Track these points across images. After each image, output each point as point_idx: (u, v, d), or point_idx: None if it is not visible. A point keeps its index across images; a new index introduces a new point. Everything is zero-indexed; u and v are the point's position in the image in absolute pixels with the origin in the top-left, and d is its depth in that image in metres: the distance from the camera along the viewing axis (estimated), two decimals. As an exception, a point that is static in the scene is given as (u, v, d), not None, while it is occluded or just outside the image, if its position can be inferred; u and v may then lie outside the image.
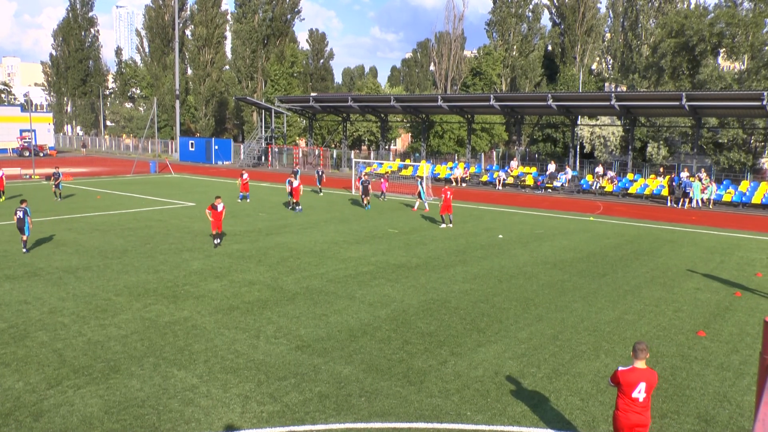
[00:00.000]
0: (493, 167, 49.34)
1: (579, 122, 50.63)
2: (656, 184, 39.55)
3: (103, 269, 17.51)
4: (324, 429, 8.76)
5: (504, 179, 44.41)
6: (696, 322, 13.76)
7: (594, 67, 72.86)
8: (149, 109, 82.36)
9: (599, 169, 42.68)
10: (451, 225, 25.86)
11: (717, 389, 10.24)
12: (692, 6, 58.28)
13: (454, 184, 44.89)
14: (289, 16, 79.80)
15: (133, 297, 14.82)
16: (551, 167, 44.38)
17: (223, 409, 9.21)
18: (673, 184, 36.84)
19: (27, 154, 64.44)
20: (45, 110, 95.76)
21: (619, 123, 50.72)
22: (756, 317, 14.13)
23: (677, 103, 37.30)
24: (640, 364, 7.40)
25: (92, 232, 23.19)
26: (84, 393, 9.64)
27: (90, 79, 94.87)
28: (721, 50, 51.64)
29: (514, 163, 47.00)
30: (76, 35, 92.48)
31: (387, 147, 66.32)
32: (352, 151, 60.38)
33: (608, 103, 40.03)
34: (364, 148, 71.78)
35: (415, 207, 31.59)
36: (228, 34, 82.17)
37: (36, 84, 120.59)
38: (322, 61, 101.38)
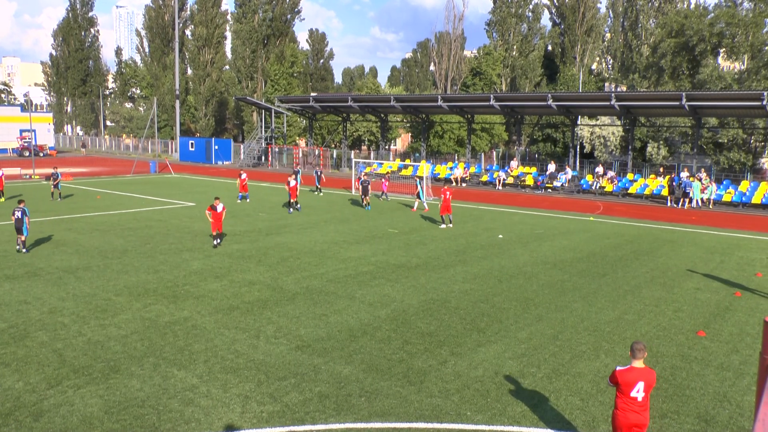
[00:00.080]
0: (493, 167, 49.35)
1: (579, 122, 50.63)
2: (656, 184, 39.55)
3: (103, 269, 17.51)
4: (324, 429, 8.76)
5: (504, 179, 44.41)
6: (696, 322, 13.76)
7: (594, 67, 72.86)
8: (149, 109, 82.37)
9: (599, 169, 42.68)
10: (451, 225, 25.86)
11: (717, 389, 10.24)
12: (692, 6, 58.29)
13: (454, 184, 44.89)
14: (289, 16, 79.80)
15: (133, 297, 14.82)
16: (551, 167, 44.38)
17: (223, 409, 9.22)
18: (673, 184, 36.84)
19: (27, 154, 64.44)
20: (45, 110, 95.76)
21: (619, 123, 50.73)
22: (756, 317, 14.13)
23: (677, 103, 37.30)
24: (638, 364, 7.41)
25: (92, 232, 23.19)
26: (84, 393, 9.64)
27: (90, 79, 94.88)
28: (721, 50, 51.65)
29: (514, 163, 47.00)
30: (76, 35, 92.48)
31: (387, 147, 66.32)
32: (352, 151, 60.39)
33: (608, 103, 40.04)
34: (364, 148, 71.78)
35: (415, 207, 31.59)
36: (228, 34, 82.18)
37: (36, 84, 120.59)
38: (322, 61, 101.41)
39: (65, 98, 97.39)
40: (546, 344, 12.13)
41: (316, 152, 57.49)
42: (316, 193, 37.18)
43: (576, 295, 15.71)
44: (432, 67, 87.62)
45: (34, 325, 12.68)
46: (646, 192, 39.31)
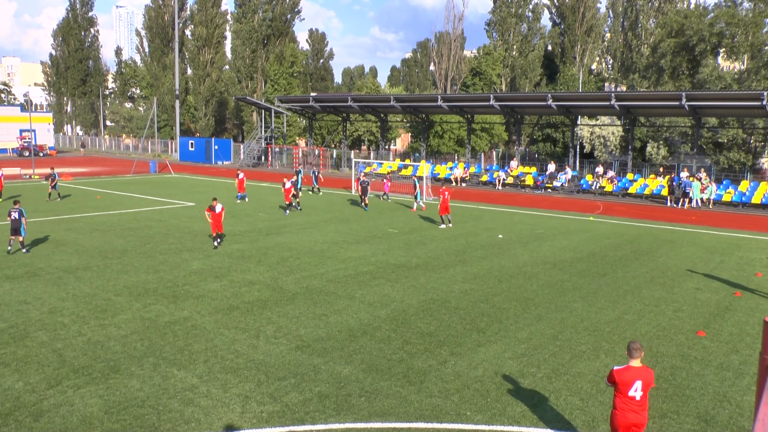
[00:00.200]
0: (493, 167, 49.35)
1: (579, 122, 50.63)
2: (656, 184, 39.56)
3: (103, 269, 17.51)
4: (324, 429, 8.76)
5: (504, 179, 44.41)
6: (696, 322, 13.76)
7: (594, 67, 72.85)
8: (149, 109, 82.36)
9: (599, 169, 42.68)
10: (450, 225, 25.86)
11: (717, 389, 10.24)
12: (692, 6, 58.30)
13: (453, 184, 44.90)
14: (288, 16, 79.79)
15: (132, 297, 14.82)
16: (551, 167, 44.38)
17: (223, 409, 9.22)
18: (673, 184, 36.84)
19: (27, 154, 64.43)
20: (45, 110, 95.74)
21: (618, 123, 50.73)
22: (756, 317, 14.13)
23: (677, 103, 37.30)
24: (636, 363, 7.42)
25: (92, 232, 23.19)
26: (84, 393, 9.64)
27: (90, 79, 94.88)
28: (721, 50, 51.64)
29: (513, 163, 47.00)
30: (75, 35, 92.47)
31: (387, 147, 66.33)
32: (352, 151, 60.37)
33: (608, 103, 40.03)
34: (363, 148, 71.78)
35: (414, 207, 31.60)
36: (228, 34, 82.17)
37: (36, 84, 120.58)
38: (321, 61, 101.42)
39: (65, 98, 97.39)
40: (546, 344, 12.13)
41: (316, 152, 57.49)
42: (312, 193, 37.12)
43: (576, 295, 15.72)
44: (432, 67, 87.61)
45: (33, 325, 12.68)
46: (646, 192, 39.31)
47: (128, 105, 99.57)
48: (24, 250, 19.49)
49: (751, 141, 46.89)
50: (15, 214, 19.29)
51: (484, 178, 46.07)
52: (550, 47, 74.30)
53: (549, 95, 41.80)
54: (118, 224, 25.06)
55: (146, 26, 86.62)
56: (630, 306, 14.86)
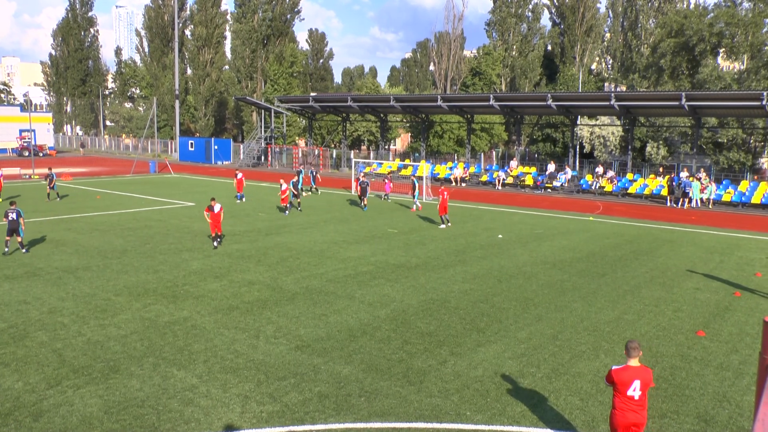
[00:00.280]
0: (493, 167, 49.35)
1: (578, 122, 50.63)
2: (656, 184, 39.57)
3: (103, 269, 17.51)
4: (323, 429, 8.76)
5: (503, 179, 44.42)
6: (695, 322, 13.76)
7: (594, 67, 72.84)
8: (149, 109, 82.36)
9: (599, 169, 42.69)
10: (449, 224, 25.86)
11: (716, 389, 10.24)
12: (692, 6, 58.30)
13: (453, 184, 44.91)
14: (288, 16, 79.77)
15: (132, 297, 14.82)
16: (551, 167, 44.39)
17: (223, 409, 9.22)
18: (673, 184, 36.85)
19: (26, 154, 64.42)
20: (44, 110, 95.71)
21: (618, 123, 50.73)
22: (755, 317, 14.14)
23: (677, 103, 37.30)
24: (634, 363, 7.43)
25: (92, 232, 23.19)
26: (83, 393, 9.64)
27: (89, 79, 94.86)
28: (721, 50, 51.64)
29: (513, 163, 47.00)
30: (75, 35, 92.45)
31: (387, 147, 66.32)
32: (352, 151, 60.38)
33: (608, 103, 40.04)
34: (363, 148, 71.78)
35: (414, 207, 31.61)
36: (228, 34, 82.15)
37: (35, 84, 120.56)
38: (321, 61, 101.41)
39: (65, 98, 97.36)
40: (545, 344, 12.13)
41: (316, 152, 57.49)
42: (310, 193, 37.03)
43: (575, 295, 15.72)
44: (432, 67, 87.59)
45: (33, 325, 12.68)
46: (646, 192, 39.32)
47: (128, 105, 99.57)
48: (23, 250, 19.49)
49: (751, 141, 46.90)
50: (13, 215, 19.28)
51: (484, 178, 46.07)
52: (549, 47, 74.30)
53: (549, 95, 41.80)
54: (118, 224, 25.05)
55: (146, 26, 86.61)
56: (630, 306, 14.87)
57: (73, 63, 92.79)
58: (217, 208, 20.79)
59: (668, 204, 36.44)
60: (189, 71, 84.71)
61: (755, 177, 41.74)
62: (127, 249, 20.27)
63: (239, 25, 77.30)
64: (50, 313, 13.47)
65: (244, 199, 32.79)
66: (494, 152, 62.56)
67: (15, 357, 11.02)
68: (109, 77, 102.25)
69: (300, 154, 57.91)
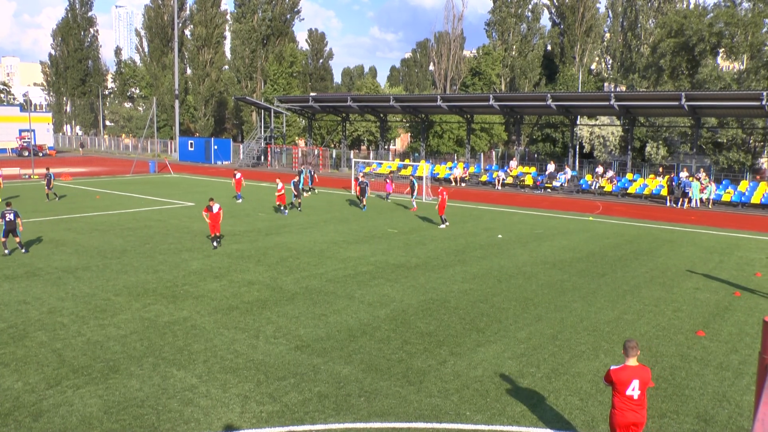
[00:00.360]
0: (493, 167, 49.35)
1: (578, 122, 50.64)
2: (655, 184, 39.58)
3: (103, 269, 17.51)
4: (323, 429, 8.76)
5: (503, 179, 44.42)
6: (695, 321, 13.76)
7: (593, 67, 72.85)
8: (148, 108, 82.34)
9: (599, 169, 42.70)
10: (447, 224, 25.84)
11: (716, 389, 10.25)
12: (691, 6, 58.31)
13: (453, 184, 44.91)
14: (288, 16, 79.78)
15: (132, 297, 14.82)
16: (550, 167, 44.39)
17: (223, 409, 9.21)
18: (673, 184, 36.86)
19: (26, 154, 64.41)
20: (44, 110, 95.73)
21: (618, 123, 50.75)
22: (755, 317, 14.14)
23: (676, 103, 37.31)
24: (632, 362, 7.42)
25: (91, 232, 23.18)
26: (83, 393, 9.64)
27: (89, 78, 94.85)
28: (721, 50, 51.66)
29: (513, 163, 47.01)
30: (75, 35, 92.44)
31: (386, 147, 66.32)
32: (352, 151, 60.38)
33: (607, 103, 40.04)
34: (363, 148, 71.78)
35: (414, 207, 31.61)
36: (227, 33, 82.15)
37: (35, 84, 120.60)
38: (321, 61, 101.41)
39: (64, 98, 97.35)
40: (545, 344, 12.13)
41: (316, 152, 57.49)
42: (308, 193, 36.98)
43: (575, 295, 15.72)
44: (431, 67, 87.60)
45: (33, 325, 12.68)
46: (646, 192, 39.33)
47: (128, 105, 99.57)
48: (23, 250, 19.49)
49: (751, 141, 46.92)
50: (10, 216, 19.26)
51: (484, 178, 46.07)
52: (549, 47, 74.31)
53: (548, 95, 41.80)
54: (118, 224, 25.05)
55: (146, 26, 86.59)
56: (629, 306, 14.87)
57: (73, 63, 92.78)
58: (215, 208, 20.75)
59: (668, 204, 36.45)
60: (189, 71, 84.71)
61: (758, 177, 41.74)
62: (126, 249, 20.26)
63: (239, 25, 77.29)
64: (50, 313, 13.46)
65: (241, 200, 32.73)
66: (494, 152, 62.57)
67: (15, 357, 11.02)
68: (109, 77, 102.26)
69: (300, 154, 57.91)
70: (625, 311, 14.42)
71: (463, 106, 48.94)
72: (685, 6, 59.73)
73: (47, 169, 33.77)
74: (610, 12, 68.72)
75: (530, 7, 71.67)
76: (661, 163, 47.99)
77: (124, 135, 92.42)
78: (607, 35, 69.80)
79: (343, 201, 34.20)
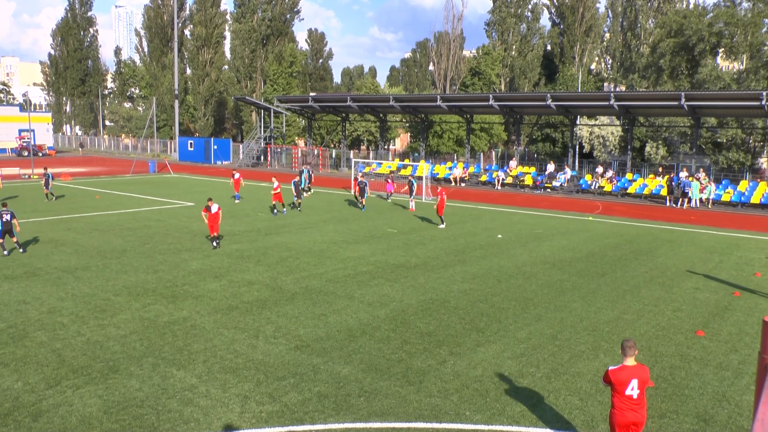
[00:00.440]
0: (492, 167, 49.36)
1: (578, 122, 50.64)
2: (655, 183, 39.58)
3: (102, 269, 17.50)
4: (323, 429, 8.76)
5: (503, 179, 44.42)
6: (695, 321, 13.77)
7: (593, 66, 72.86)
8: (148, 108, 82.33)
9: (599, 169, 42.70)
10: (444, 225, 25.84)
11: (716, 389, 10.25)
12: (691, 6, 58.31)
13: (453, 184, 44.92)
14: (288, 16, 79.78)
15: (132, 297, 14.82)
16: (550, 167, 44.39)
17: (222, 409, 9.21)
18: (672, 183, 36.87)
19: (26, 154, 64.39)
20: (44, 110, 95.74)
21: (618, 123, 50.76)
22: (755, 317, 14.15)
23: (676, 103, 37.32)
24: (630, 362, 7.43)
25: (91, 232, 23.17)
26: (83, 393, 9.64)
27: (89, 78, 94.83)
28: (720, 50, 51.67)
29: (513, 163, 47.01)
30: (74, 35, 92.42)
31: (386, 147, 66.31)
32: (351, 151, 60.38)
33: (607, 103, 40.05)
34: (363, 148, 71.77)
35: (413, 207, 31.60)
36: (227, 33, 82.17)
37: (35, 84, 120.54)
38: (321, 61, 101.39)
39: (64, 98, 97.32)
40: (545, 344, 12.13)
41: (315, 152, 57.49)
42: (308, 193, 36.91)
43: (575, 294, 15.72)
44: (431, 67, 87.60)
45: (33, 325, 12.68)
46: (645, 192, 39.33)
47: (127, 105, 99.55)
48: (21, 250, 19.48)
49: (750, 141, 46.93)
50: (7, 216, 19.23)
51: (483, 178, 46.07)
52: (549, 47, 74.31)
53: (548, 95, 41.80)
54: (117, 224, 25.04)
55: (145, 26, 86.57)
56: (629, 306, 14.87)
57: (73, 63, 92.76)
58: (214, 208, 20.73)
59: (667, 204, 36.45)
60: (188, 71, 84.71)
61: (757, 178, 41.76)
62: (126, 249, 20.26)
63: (239, 25, 77.30)
64: (49, 313, 13.46)
65: (239, 200, 32.69)
66: (493, 152, 62.58)
67: (14, 357, 11.02)
68: (109, 77, 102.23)
69: (299, 154, 57.90)
70: (625, 311, 14.43)
71: (463, 106, 48.94)
72: (684, 6, 59.74)
73: (45, 168, 33.72)
74: (609, 12, 68.72)
75: (530, 7, 71.68)
76: (660, 163, 48.00)
77: (123, 135, 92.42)
78: (607, 35, 69.81)
79: (343, 201, 34.19)
